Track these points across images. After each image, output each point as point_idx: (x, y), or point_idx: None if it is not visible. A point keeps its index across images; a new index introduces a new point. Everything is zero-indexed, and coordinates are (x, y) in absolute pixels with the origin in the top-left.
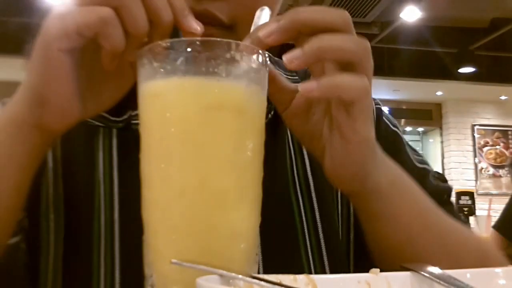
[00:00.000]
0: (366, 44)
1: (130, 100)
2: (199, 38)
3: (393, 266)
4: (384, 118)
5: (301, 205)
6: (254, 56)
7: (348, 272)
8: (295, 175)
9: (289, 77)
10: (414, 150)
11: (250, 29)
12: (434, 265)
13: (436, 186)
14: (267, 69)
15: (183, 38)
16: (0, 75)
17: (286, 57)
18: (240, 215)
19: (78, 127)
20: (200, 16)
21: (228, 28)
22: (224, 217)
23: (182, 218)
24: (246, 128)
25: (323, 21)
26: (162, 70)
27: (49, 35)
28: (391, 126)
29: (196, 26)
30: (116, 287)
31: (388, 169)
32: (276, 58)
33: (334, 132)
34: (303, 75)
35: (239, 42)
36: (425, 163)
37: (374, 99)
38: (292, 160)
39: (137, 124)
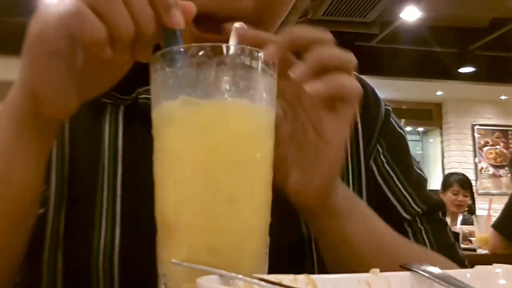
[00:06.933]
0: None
1: (138, 78)
2: (210, 44)
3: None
4: (391, 119)
5: None
6: (260, 60)
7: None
8: None
9: None
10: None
11: (275, 22)
12: None
13: (428, 196)
14: (276, 71)
15: (194, 44)
16: (0, 75)
17: (293, 73)
18: (251, 216)
19: (86, 105)
20: (222, 10)
21: (253, 21)
22: (235, 218)
23: (194, 218)
24: (257, 131)
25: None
26: (174, 75)
27: (32, 38)
28: (398, 128)
29: (180, 20)
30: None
31: (344, 189)
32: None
33: (308, 147)
34: None
35: (245, 46)
36: (421, 170)
37: (384, 101)
38: None
39: (144, 98)
